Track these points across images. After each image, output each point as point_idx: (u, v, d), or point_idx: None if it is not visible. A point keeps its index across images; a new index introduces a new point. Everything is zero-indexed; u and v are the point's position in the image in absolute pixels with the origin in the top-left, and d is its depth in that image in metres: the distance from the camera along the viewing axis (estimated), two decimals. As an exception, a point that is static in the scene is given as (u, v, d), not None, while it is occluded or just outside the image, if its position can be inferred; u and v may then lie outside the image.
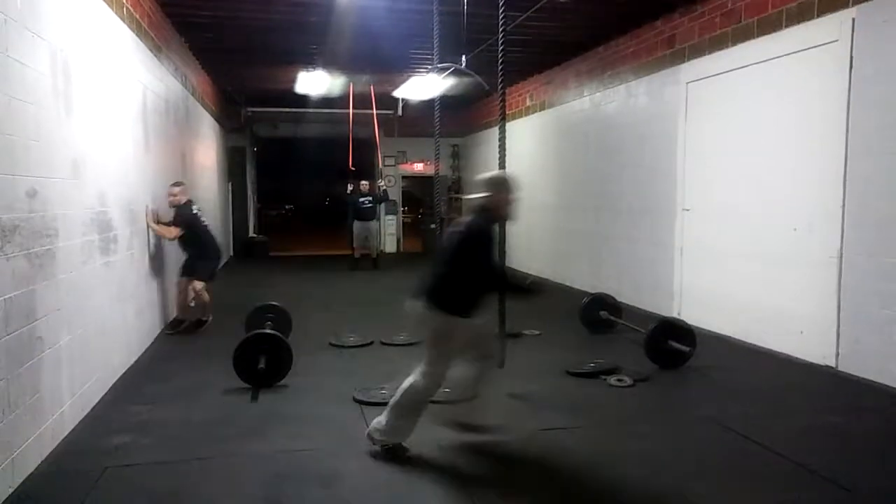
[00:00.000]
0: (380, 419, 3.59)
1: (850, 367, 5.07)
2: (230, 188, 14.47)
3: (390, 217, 15.98)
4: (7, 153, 3.17)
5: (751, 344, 6.07)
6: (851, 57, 5.03)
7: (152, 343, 6.16)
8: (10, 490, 3.09)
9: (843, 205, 5.11)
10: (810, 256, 5.43)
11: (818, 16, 5.34)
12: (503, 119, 4.89)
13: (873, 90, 4.88)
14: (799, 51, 5.57)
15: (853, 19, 5.01)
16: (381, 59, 9.70)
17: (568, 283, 9.78)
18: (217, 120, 12.35)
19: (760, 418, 4.17)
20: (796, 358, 5.53)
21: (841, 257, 5.13)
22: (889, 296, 4.75)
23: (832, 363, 5.21)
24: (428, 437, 3.84)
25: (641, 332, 5.65)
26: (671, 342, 5.31)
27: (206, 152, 10.90)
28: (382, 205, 13.57)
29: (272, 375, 4.73)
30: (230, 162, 14.44)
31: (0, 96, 3.11)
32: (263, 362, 4.66)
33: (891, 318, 4.73)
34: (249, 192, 15.74)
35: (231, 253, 14.46)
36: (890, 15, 4.74)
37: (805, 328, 5.49)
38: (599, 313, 6.70)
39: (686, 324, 5.61)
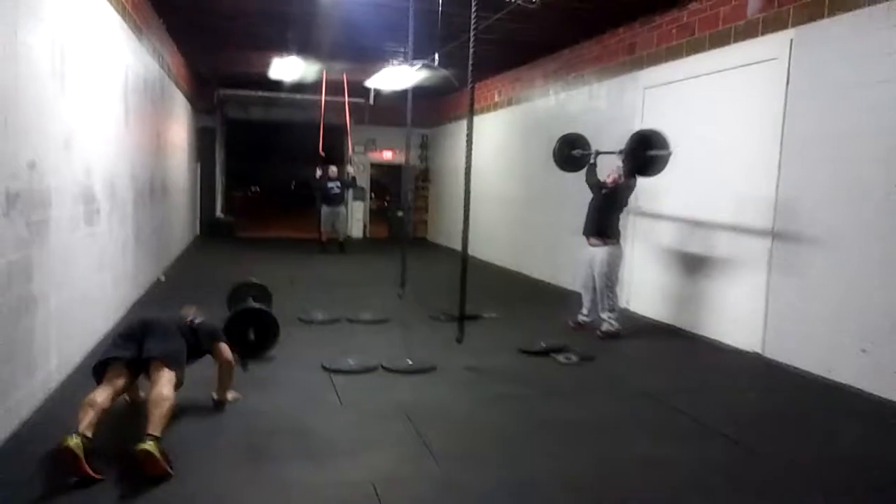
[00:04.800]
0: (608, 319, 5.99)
1: (773, 353, 5.63)
2: (199, 168, 14.59)
3: (358, 203, 16.26)
4: (14, 127, 3.44)
5: (690, 332, 6.61)
6: (788, 73, 5.55)
7: (126, 313, 6.40)
8: (8, 433, 3.39)
9: (775, 206, 5.64)
10: (745, 253, 5.96)
11: (762, 34, 5.85)
12: (471, 114, 5.24)
13: (806, 105, 5.41)
14: (745, 65, 6.08)
15: (791, 40, 5.53)
16: (355, 49, 9.98)
17: (527, 273, 10.25)
18: (189, 100, 12.48)
19: (688, 393, 4.68)
20: (728, 345, 6.07)
21: (771, 254, 5.67)
22: (807, 289, 5.31)
23: (759, 349, 5.76)
24: (391, 399, 4.25)
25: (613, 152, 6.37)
26: (650, 152, 5.93)
27: (179, 132, 11.06)
28: (350, 190, 13.86)
29: (260, 347, 5.01)
30: (200, 142, 14.55)
31: (10, 75, 3.38)
32: (252, 335, 4.93)
33: (809, 310, 5.29)
34: (218, 173, 15.85)
35: (197, 232, 14.61)
36: (824, 38, 5.26)
37: (737, 318, 6.04)
38: (572, 152, 6.93)
39: (658, 133, 6.08)
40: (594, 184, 6.66)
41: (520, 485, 3.18)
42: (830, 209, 5.15)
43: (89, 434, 3.02)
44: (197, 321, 4.01)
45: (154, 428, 3.14)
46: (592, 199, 6.59)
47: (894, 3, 4.66)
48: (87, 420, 3.06)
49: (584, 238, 6.56)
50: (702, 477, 3.35)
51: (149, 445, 2.99)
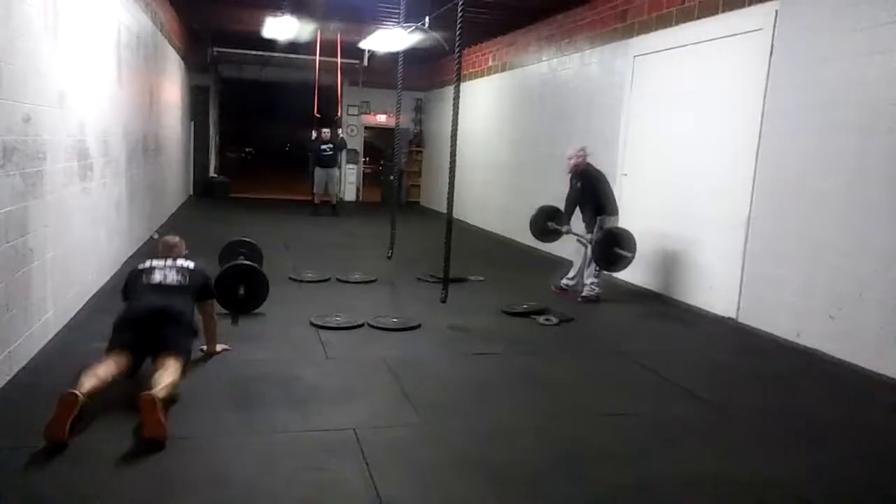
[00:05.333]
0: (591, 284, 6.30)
1: (747, 318, 5.82)
2: (192, 127, 14.57)
3: (351, 166, 16.29)
4: (10, 81, 3.53)
5: (670, 297, 6.80)
6: (772, 45, 5.63)
7: (120, 268, 6.54)
8: (9, 377, 3.56)
9: (755, 175, 5.78)
10: (724, 220, 6.11)
11: (749, 4, 5.90)
12: (458, 80, 5.29)
13: (787, 76, 5.51)
14: (731, 35, 6.14)
15: (776, 11, 5.60)
16: (349, 9, 9.95)
17: (517, 239, 10.39)
18: (182, 58, 12.42)
19: (661, 354, 4.87)
20: (705, 311, 6.27)
21: (749, 222, 5.83)
22: (781, 256, 5.48)
23: (734, 315, 5.95)
24: (375, 354, 4.43)
25: (585, 237, 6.56)
26: (616, 250, 6.10)
27: (172, 89, 11.05)
28: (343, 152, 13.90)
29: (250, 303, 5.14)
30: (193, 101, 14.51)
31: (6, 31, 3.46)
32: (243, 290, 5.05)
33: (782, 277, 5.47)
34: (211, 132, 15.83)
35: (191, 192, 14.66)
36: (807, 10, 5.34)
37: (714, 284, 6.22)
38: (547, 224, 7.06)
39: (630, 234, 6.30)
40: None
41: (493, 433, 3.38)
42: (807, 178, 5.29)
43: (87, 400, 3.05)
44: (191, 266, 4.03)
45: (160, 392, 3.14)
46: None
47: (876, -22, 4.73)
48: (89, 385, 3.10)
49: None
50: (668, 429, 3.55)
51: (153, 393, 3.04)
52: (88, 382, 3.13)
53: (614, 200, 6.68)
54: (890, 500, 2.97)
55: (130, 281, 3.94)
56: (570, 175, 6.71)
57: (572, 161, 6.61)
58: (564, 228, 6.79)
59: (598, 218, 6.50)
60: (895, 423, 3.89)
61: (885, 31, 4.65)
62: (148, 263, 3.99)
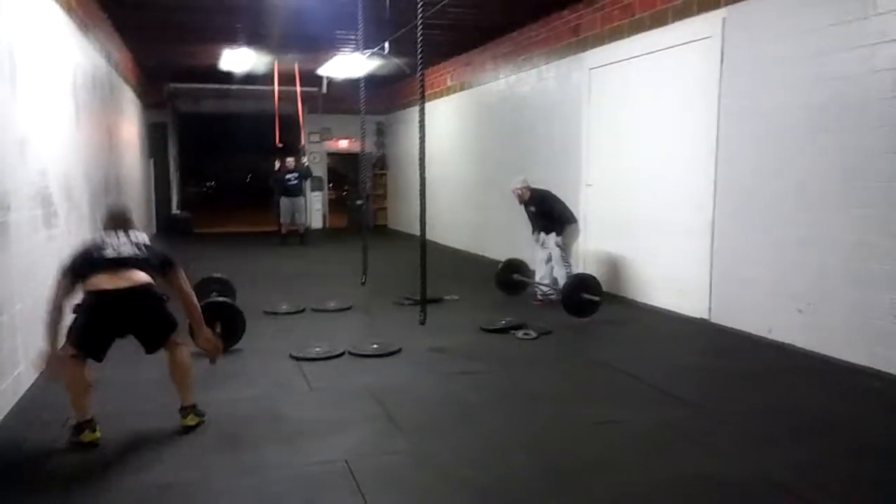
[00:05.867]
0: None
1: (719, 318, 5.95)
2: (152, 164, 14.39)
3: (316, 193, 16.25)
4: (-31, 133, 3.47)
5: (641, 302, 6.91)
6: (722, 51, 5.83)
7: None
8: (-16, 436, 3.46)
9: (715, 180, 5.94)
10: (690, 224, 6.26)
11: (697, 13, 6.10)
12: (422, 100, 5.35)
13: (739, 81, 5.70)
14: (682, 44, 6.34)
15: (724, 18, 5.80)
16: (305, 39, 9.98)
17: (485, 254, 10.47)
18: (138, 96, 12.30)
19: (641, 360, 4.95)
20: (677, 313, 6.39)
21: (713, 224, 5.98)
22: (747, 256, 5.63)
23: (706, 316, 6.08)
24: (358, 381, 4.42)
25: (553, 289, 6.68)
26: (584, 294, 6.13)
27: (129, 128, 10.92)
28: (308, 181, 13.87)
29: (227, 340, 5.01)
30: (152, 138, 14.34)
31: (-37, 81, 3.40)
32: (219, 328, 4.95)
33: (750, 275, 5.61)
34: (172, 169, 15.65)
35: (154, 230, 14.44)
36: (753, 17, 5.54)
37: (685, 287, 6.35)
38: (512, 276, 7.38)
39: (595, 278, 6.42)
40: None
41: (483, 451, 3.39)
42: (763, 179, 5.46)
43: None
44: (143, 240, 3.66)
45: (187, 398, 3.57)
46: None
47: (815, -17, 4.94)
48: (85, 404, 3.33)
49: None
50: (655, 434, 3.60)
51: (190, 420, 3.54)
52: (83, 401, 3.37)
53: (570, 211, 7.04)
54: (881, 489, 3.05)
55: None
56: (521, 204, 7.12)
57: (518, 193, 7.05)
58: (531, 282, 7.25)
59: (562, 228, 6.88)
60: (874, 412, 4.01)
61: (828, 34, 4.85)
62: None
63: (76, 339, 3.38)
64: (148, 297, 3.49)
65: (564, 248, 6.88)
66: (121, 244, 3.54)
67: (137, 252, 3.52)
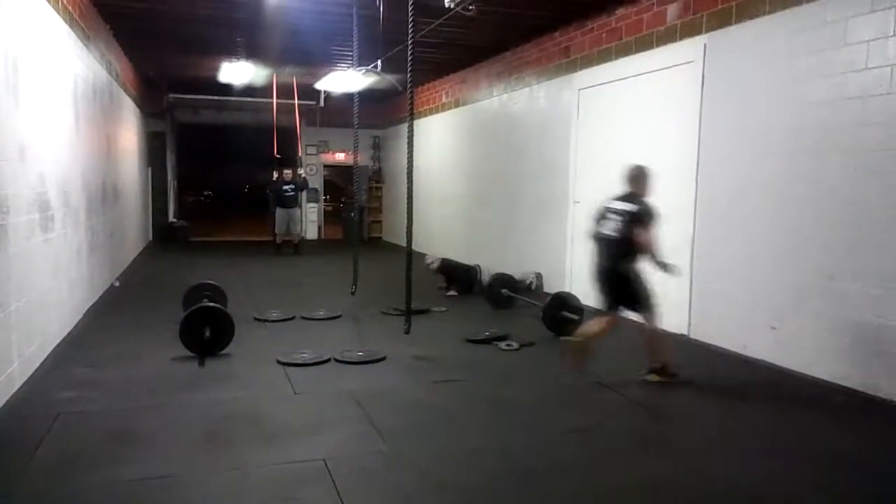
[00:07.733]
0: None
1: (698, 334, 6.11)
2: (150, 173, 14.56)
3: (312, 205, 16.41)
4: (-28, 139, 3.63)
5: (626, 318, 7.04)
6: (703, 76, 6.03)
7: (82, 317, 6.53)
8: (-24, 430, 3.58)
9: (695, 199, 6.12)
10: (671, 241, 6.39)
11: (680, 39, 6.31)
12: (411, 117, 5.53)
13: (719, 104, 5.90)
14: (666, 67, 6.54)
15: (705, 44, 6.00)
16: (303, 54, 10.20)
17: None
18: (138, 105, 12.49)
19: (620, 372, 5.10)
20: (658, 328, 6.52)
21: (693, 242, 6.15)
22: (725, 273, 5.80)
23: (685, 332, 6.23)
24: (342, 387, 4.55)
25: (537, 304, 6.73)
26: (563, 312, 6.26)
27: (128, 137, 11.09)
28: (304, 192, 14.03)
29: (216, 345, 5.20)
30: (150, 147, 14.53)
31: (-32, 90, 3.57)
32: (208, 332, 5.12)
33: (727, 292, 5.78)
34: (169, 178, 15.81)
35: (150, 238, 14.58)
36: (732, 43, 5.74)
37: (666, 303, 6.48)
38: (501, 291, 7.55)
39: (575, 297, 6.56)
40: None
41: (460, 455, 3.53)
42: (741, 199, 5.64)
43: None
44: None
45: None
46: None
47: (789, 13, 5.15)
48: None
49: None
50: (628, 441, 3.75)
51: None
52: None
53: None
54: (841, 500, 3.17)
55: None
56: None
57: None
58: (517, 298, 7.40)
59: None
60: (836, 425, 4.15)
61: (803, 62, 5.06)
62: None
63: None
64: None
65: None
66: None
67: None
